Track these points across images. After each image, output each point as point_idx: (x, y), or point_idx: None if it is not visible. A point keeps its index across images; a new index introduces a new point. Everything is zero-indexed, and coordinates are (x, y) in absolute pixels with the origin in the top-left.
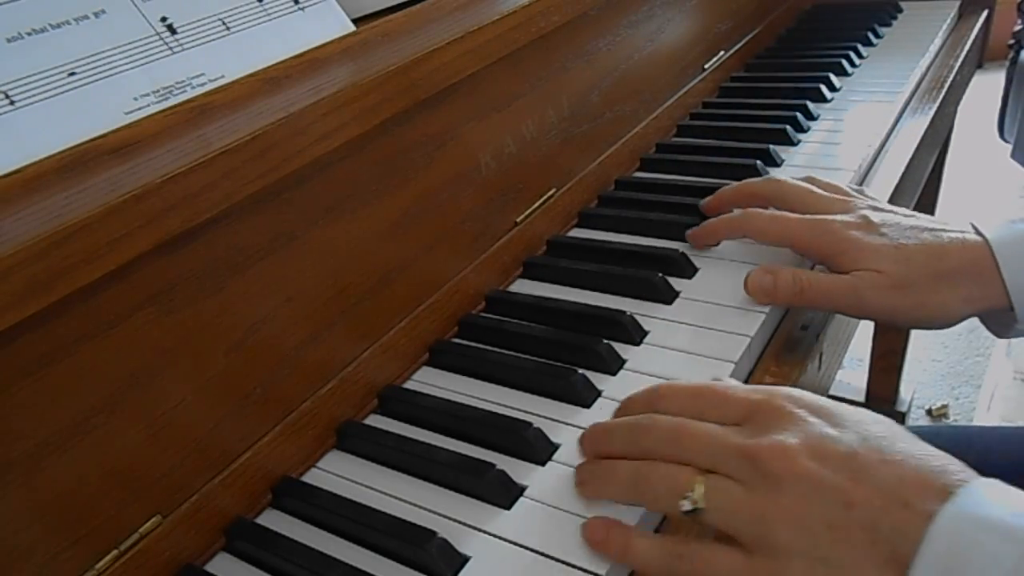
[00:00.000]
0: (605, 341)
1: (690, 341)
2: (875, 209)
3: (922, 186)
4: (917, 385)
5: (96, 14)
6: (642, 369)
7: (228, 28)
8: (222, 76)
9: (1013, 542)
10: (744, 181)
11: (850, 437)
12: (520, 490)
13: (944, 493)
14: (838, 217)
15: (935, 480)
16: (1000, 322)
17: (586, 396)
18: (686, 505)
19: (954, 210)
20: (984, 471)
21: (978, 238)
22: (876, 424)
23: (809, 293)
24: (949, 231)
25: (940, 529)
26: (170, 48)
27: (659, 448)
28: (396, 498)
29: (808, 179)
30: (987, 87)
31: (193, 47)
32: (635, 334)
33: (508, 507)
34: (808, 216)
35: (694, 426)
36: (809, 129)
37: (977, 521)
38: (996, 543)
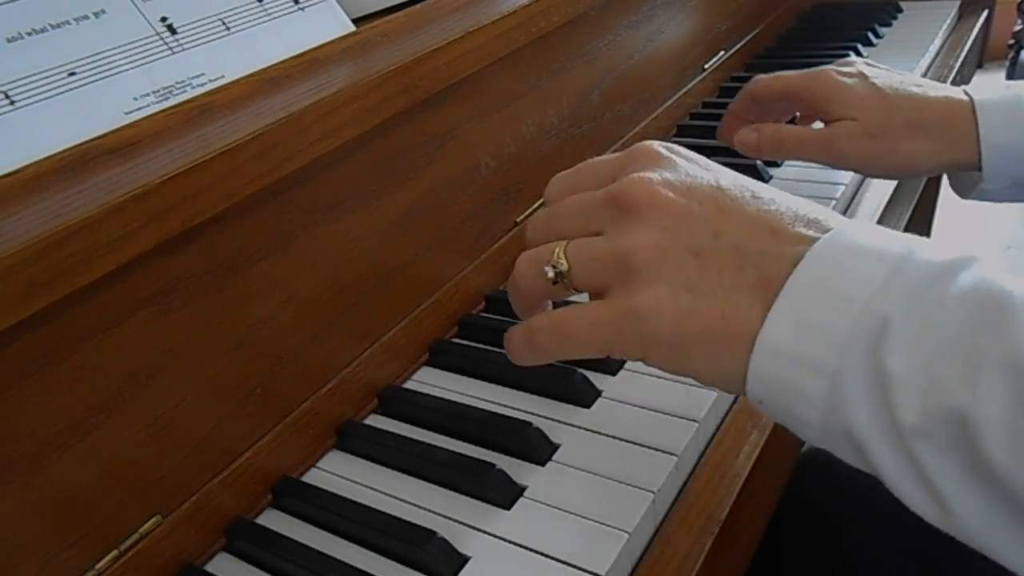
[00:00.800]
0: None
1: None
2: (869, 66)
3: (921, 187)
4: None
5: (96, 14)
6: (642, 368)
7: (228, 28)
8: (222, 76)
9: (882, 262)
10: (739, 94)
11: (722, 178)
12: (520, 490)
13: (816, 226)
14: (833, 67)
15: (808, 216)
16: (965, 182)
17: (586, 396)
18: (549, 272)
19: (954, 210)
20: None
21: (964, 97)
22: (748, 179)
23: (788, 143)
24: (937, 88)
25: (813, 253)
26: (170, 48)
27: (536, 240)
28: (396, 498)
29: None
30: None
31: (193, 47)
32: None
33: (508, 507)
34: (806, 71)
35: (563, 201)
36: None
37: (847, 247)
38: (865, 264)
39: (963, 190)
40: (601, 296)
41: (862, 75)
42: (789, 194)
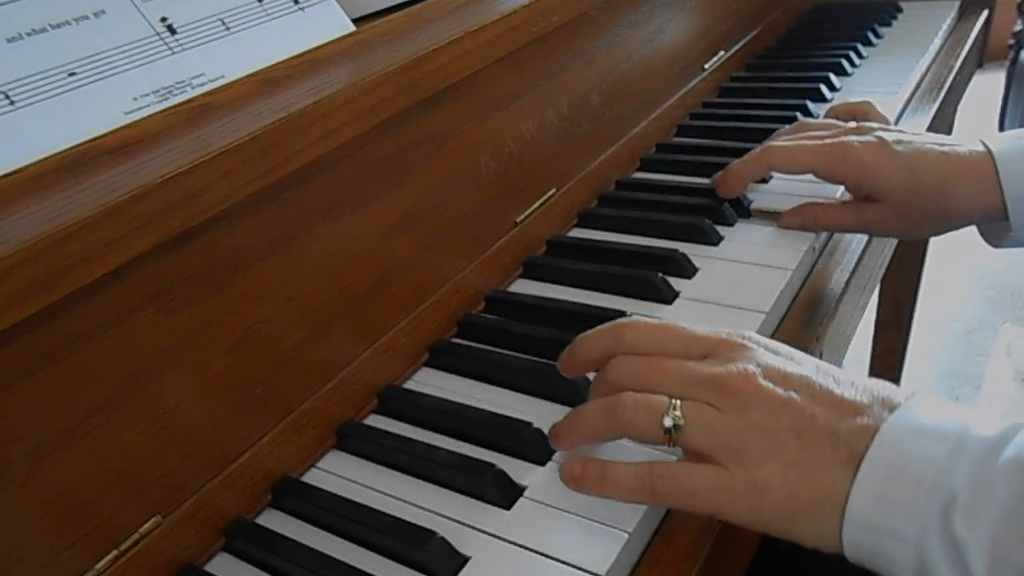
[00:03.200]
0: None
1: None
2: (886, 131)
3: None
4: (917, 385)
5: (96, 14)
6: None
7: (228, 28)
8: (222, 76)
9: (942, 442)
10: (747, 156)
11: (804, 367)
12: (520, 490)
13: (889, 405)
14: (854, 138)
15: (881, 395)
16: (996, 232)
17: (586, 396)
18: (668, 421)
19: None
20: None
21: (983, 149)
22: (824, 363)
23: (828, 224)
24: (958, 146)
25: (884, 434)
26: (170, 48)
27: (629, 384)
28: (396, 498)
29: (800, 124)
30: (987, 87)
31: (193, 47)
32: None
33: (508, 507)
34: (827, 141)
35: (662, 360)
36: None
37: (914, 428)
38: (929, 444)
39: (994, 239)
40: (698, 459)
41: (883, 143)
42: (860, 375)
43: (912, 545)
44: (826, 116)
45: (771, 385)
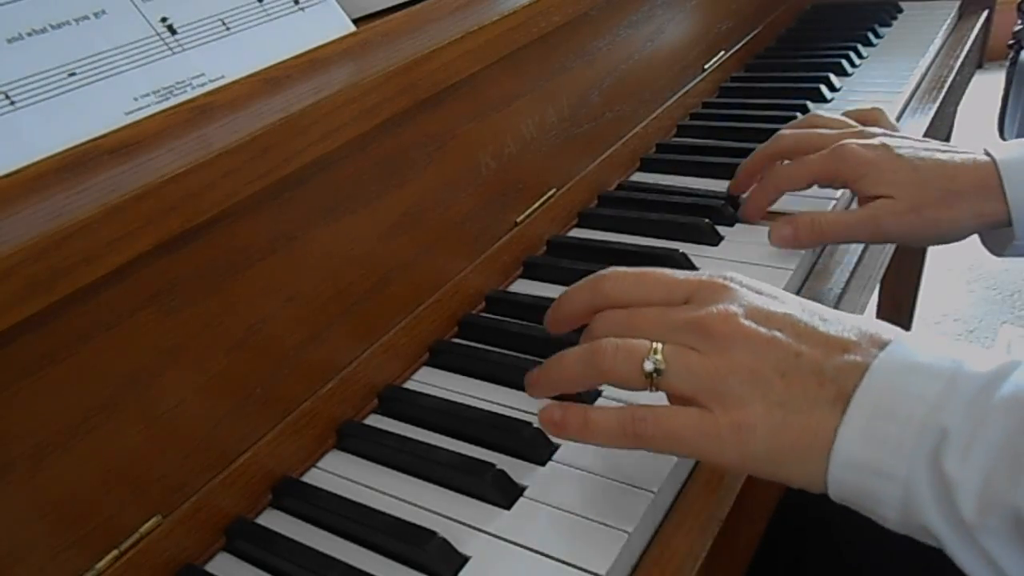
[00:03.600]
0: None
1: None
2: (889, 136)
3: None
4: None
5: (96, 14)
6: None
7: (228, 28)
8: (222, 76)
9: (935, 379)
10: (755, 151)
11: (789, 306)
12: (520, 490)
13: (879, 342)
14: (856, 141)
15: (869, 332)
16: (998, 240)
17: (586, 396)
18: (649, 365)
19: None
20: None
21: (987, 158)
22: (810, 302)
23: (830, 232)
24: (962, 153)
25: (875, 371)
26: (170, 48)
27: (611, 332)
28: (396, 498)
29: (810, 120)
30: (987, 87)
31: (193, 47)
32: None
33: (508, 507)
34: (825, 151)
35: (645, 309)
36: None
37: (906, 365)
38: (921, 382)
39: (996, 248)
40: (683, 403)
41: (885, 147)
42: (845, 314)
43: (899, 484)
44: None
45: (754, 324)
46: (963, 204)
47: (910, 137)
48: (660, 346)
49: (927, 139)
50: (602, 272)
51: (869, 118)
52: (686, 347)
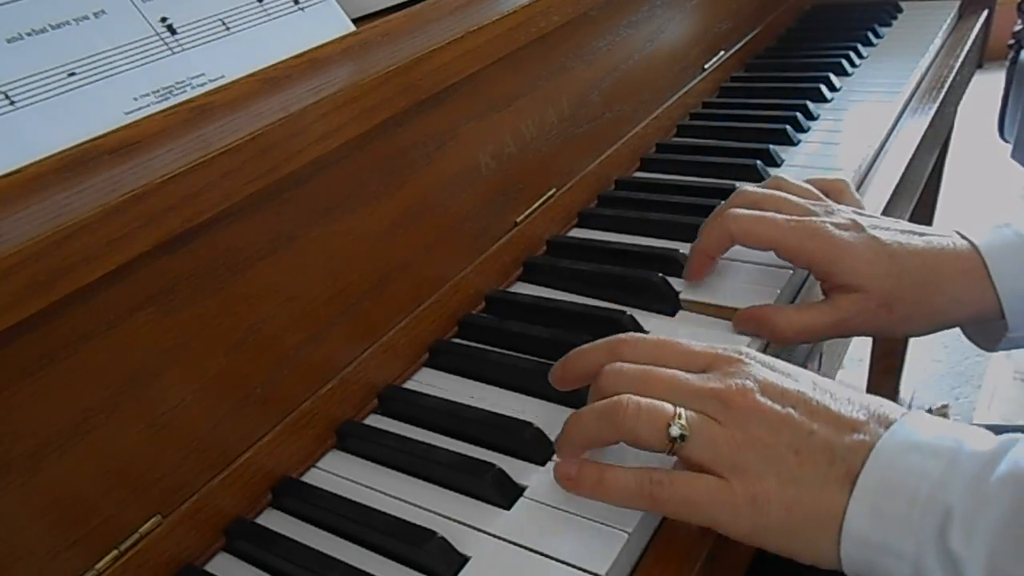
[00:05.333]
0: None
1: (691, 338)
2: (858, 214)
3: (922, 186)
4: (917, 385)
5: (96, 14)
6: None
7: (228, 28)
8: (222, 76)
9: (937, 458)
10: (715, 210)
11: (801, 383)
12: (520, 490)
13: (885, 421)
14: (827, 219)
15: (877, 412)
16: (987, 334)
17: (586, 397)
18: (675, 431)
19: (954, 210)
20: None
21: (967, 244)
22: (820, 378)
23: (793, 336)
24: (940, 238)
25: (880, 450)
26: (170, 48)
27: (629, 391)
28: (396, 498)
29: (775, 183)
30: (987, 87)
31: (193, 47)
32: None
33: (508, 507)
34: (795, 218)
35: (662, 371)
36: (809, 129)
37: (909, 444)
38: (924, 461)
39: (987, 343)
40: (697, 471)
41: (857, 226)
42: (854, 390)
43: (910, 562)
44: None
45: (769, 401)
46: (942, 296)
47: (881, 218)
48: (684, 412)
49: (898, 220)
50: (621, 336)
51: (833, 190)
52: (708, 418)
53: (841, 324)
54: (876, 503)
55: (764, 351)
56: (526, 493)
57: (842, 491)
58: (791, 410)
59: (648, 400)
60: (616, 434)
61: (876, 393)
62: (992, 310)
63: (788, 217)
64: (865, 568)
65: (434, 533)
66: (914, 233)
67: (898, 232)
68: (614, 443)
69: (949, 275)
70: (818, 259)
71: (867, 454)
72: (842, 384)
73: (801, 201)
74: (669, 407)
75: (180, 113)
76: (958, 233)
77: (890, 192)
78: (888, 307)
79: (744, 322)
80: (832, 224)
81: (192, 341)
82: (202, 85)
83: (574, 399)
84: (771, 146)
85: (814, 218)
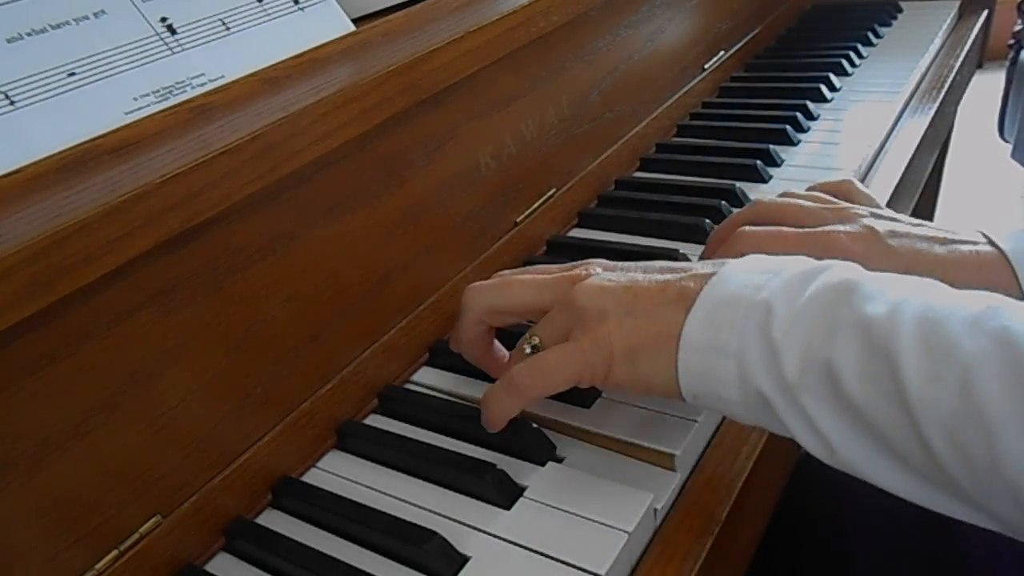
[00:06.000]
0: None
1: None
2: (876, 217)
3: (922, 186)
4: None
5: (96, 14)
6: None
7: (228, 28)
8: (222, 76)
9: (765, 272)
10: (728, 219)
11: (637, 266)
12: (520, 490)
13: (719, 264)
14: (840, 228)
15: (708, 265)
16: None
17: (586, 396)
18: (527, 348)
19: (954, 210)
20: None
21: (992, 250)
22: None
23: None
24: (963, 244)
25: (716, 276)
26: (170, 48)
27: (494, 299)
28: (396, 498)
29: (785, 195)
30: (987, 87)
31: (193, 47)
32: None
33: (508, 507)
34: (808, 230)
35: (517, 276)
36: (809, 129)
37: (741, 268)
38: (752, 276)
39: None
40: None
41: (873, 234)
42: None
43: (735, 356)
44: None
45: (607, 272)
46: None
47: (901, 217)
48: (533, 330)
49: (920, 223)
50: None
51: (840, 191)
52: (551, 316)
53: None
54: (709, 312)
55: None
56: (526, 493)
57: (676, 311)
58: (622, 271)
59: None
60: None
61: None
62: None
63: (799, 231)
64: (699, 375)
65: (434, 533)
66: (935, 240)
67: (917, 239)
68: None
69: (970, 281)
70: None
71: (704, 281)
72: None
73: (816, 207)
74: (524, 338)
75: (180, 113)
76: (984, 236)
77: (890, 192)
78: None
79: None
80: (845, 233)
81: (192, 341)
82: (202, 85)
83: (574, 398)
84: (771, 146)
85: (827, 227)
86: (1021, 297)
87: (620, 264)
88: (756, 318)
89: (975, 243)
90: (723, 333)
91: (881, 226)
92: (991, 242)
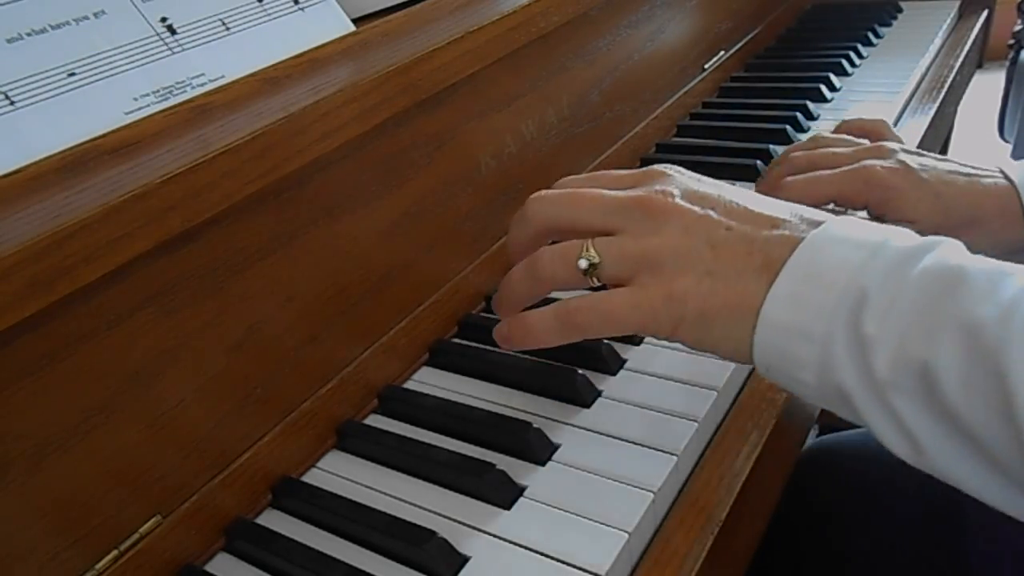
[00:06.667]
0: (606, 341)
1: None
2: (907, 152)
3: None
4: None
5: (96, 14)
6: (643, 369)
7: (228, 28)
8: (222, 76)
9: (861, 248)
10: (765, 173)
11: (724, 189)
12: (520, 490)
13: (812, 222)
14: (877, 163)
15: (805, 215)
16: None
17: (586, 396)
18: (583, 263)
19: None
20: None
21: (1006, 182)
22: (748, 191)
23: None
24: (983, 177)
25: (806, 244)
26: (170, 48)
27: (551, 222)
28: (396, 498)
29: (814, 139)
30: (987, 87)
31: (193, 47)
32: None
33: (508, 507)
34: (846, 168)
35: (586, 190)
36: (809, 129)
37: (835, 238)
38: (847, 250)
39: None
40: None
41: (908, 169)
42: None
43: (819, 342)
44: (837, 131)
45: (687, 203)
46: (983, 231)
47: (928, 155)
48: (591, 241)
49: (946, 158)
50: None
51: (873, 131)
52: (622, 233)
53: None
54: (795, 288)
55: None
56: (526, 493)
57: (758, 280)
58: (710, 211)
59: (557, 247)
60: (538, 284)
61: None
62: (1021, 244)
63: (837, 171)
64: (776, 355)
65: (434, 533)
66: (959, 173)
67: (944, 172)
68: (544, 294)
69: (990, 213)
70: (872, 201)
71: (791, 248)
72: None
73: (847, 151)
74: (577, 242)
75: (180, 113)
76: (1001, 171)
77: None
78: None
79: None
80: (883, 167)
81: (192, 341)
82: (202, 85)
83: (574, 398)
84: (771, 146)
85: (866, 162)
86: (1022, 224)
87: (702, 186)
88: (847, 306)
89: (993, 175)
90: (808, 316)
91: (912, 160)
92: (1005, 175)
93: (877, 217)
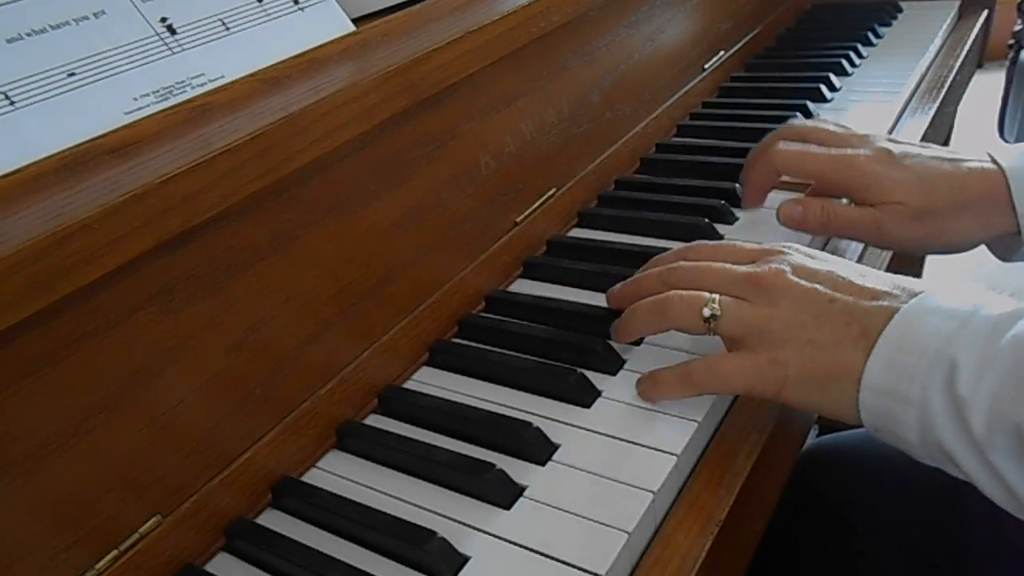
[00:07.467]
0: (605, 341)
1: (691, 340)
2: (893, 142)
3: None
4: None
5: (96, 14)
6: (643, 369)
7: (228, 28)
8: (222, 76)
9: (952, 319)
10: (764, 140)
11: (832, 264)
12: (520, 490)
13: (911, 292)
14: (860, 151)
15: (904, 285)
16: (1005, 246)
17: (586, 396)
18: (707, 312)
19: None
20: None
21: (994, 167)
22: (855, 263)
23: (835, 222)
24: (968, 161)
25: (903, 313)
26: (170, 48)
27: (683, 284)
28: (396, 498)
29: (813, 122)
30: (987, 87)
31: (193, 47)
32: None
33: (508, 507)
34: (832, 150)
35: (713, 264)
36: None
37: (928, 309)
38: (938, 320)
39: (1003, 254)
40: (733, 347)
41: (888, 154)
42: (885, 274)
43: (915, 406)
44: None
45: (798, 279)
46: (970, 215)
47: (914, 144)
48: (718, 296)
49: (930, 145)
50: (687, 245)
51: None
52: (741, 299)
53: (877, 224)
54: (891, 356)
55: None
56: (526, 493)
57: (855, 350)
58: (817, 286)
59: (691, 292)
60: (664, 321)
61: None
62: (1011, 228)
63: (825, 151)
64: (881, 416)
65: (434, 533)
66: (944, 159)
67: (928, 158)
68: (663, 330)
69: (976, 196)
70: (852, 187)
71: (887, 318)
72: (877, 270)
73: (840, 131)
74: (705, 294)
75: (180, 113)
76: (989, 156)
77: None
78: (920, 220)
79: (792, 206)
80: (865, 156)
81: (192, 341)
82: (202, 85)
83: (574, 398)
84: None
85: (849, 151)
86: (1011, 208)
87: (813, 262)
88: (941, 373)
89: (980, 160)
90: (904, 383)
91: (895, 148)
92: (994, 160)
93: (859, 204)
